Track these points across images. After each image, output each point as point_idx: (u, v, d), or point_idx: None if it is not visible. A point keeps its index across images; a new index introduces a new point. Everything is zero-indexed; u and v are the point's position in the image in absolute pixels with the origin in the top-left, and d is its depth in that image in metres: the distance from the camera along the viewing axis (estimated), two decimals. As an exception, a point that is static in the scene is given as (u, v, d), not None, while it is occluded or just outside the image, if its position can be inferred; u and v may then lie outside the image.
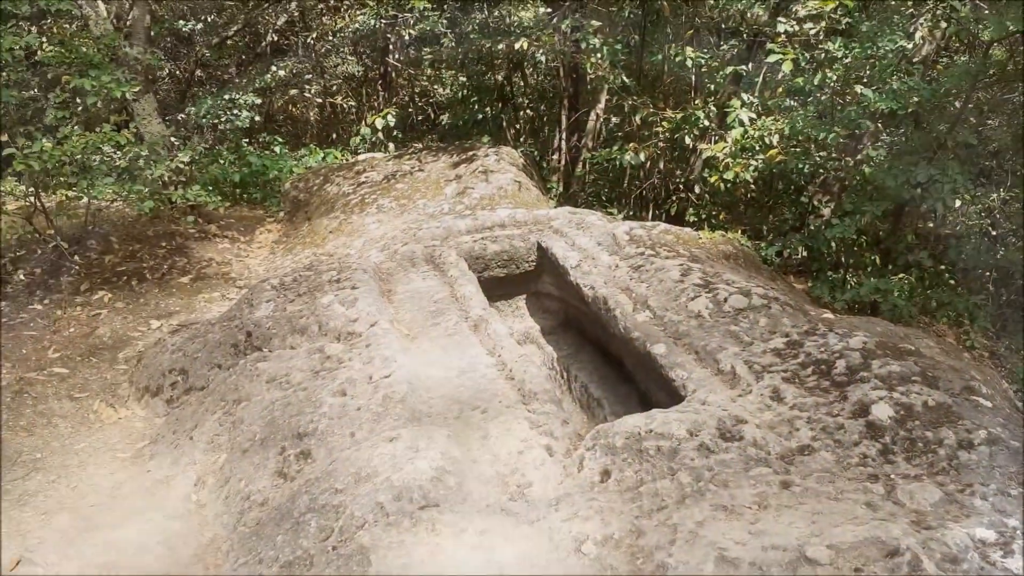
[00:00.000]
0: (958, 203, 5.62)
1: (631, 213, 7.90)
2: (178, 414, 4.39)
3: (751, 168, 5.77)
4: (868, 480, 2.87)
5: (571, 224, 5.52)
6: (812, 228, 5.98)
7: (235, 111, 8.81)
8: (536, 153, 9.01)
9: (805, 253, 6.46)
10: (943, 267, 6.28)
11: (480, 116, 8.69)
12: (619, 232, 5.18)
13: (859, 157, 5.98)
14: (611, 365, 4.89)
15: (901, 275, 5.92)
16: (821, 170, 6.33)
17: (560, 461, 3.13)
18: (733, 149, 5.83)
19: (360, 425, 3.50)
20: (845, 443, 3.04)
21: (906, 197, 5.50)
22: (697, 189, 7.79)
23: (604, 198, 8.43)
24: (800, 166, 5.70)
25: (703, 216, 7.06)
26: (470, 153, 7.27)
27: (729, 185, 6.08)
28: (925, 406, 3.14)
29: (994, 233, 7.46)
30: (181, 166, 6.36)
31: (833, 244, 5.69)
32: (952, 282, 6.60)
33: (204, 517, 3.58)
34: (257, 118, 9.36)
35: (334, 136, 10.66)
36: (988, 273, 6.85)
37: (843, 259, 6.17)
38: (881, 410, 3.14)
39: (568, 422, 3.40)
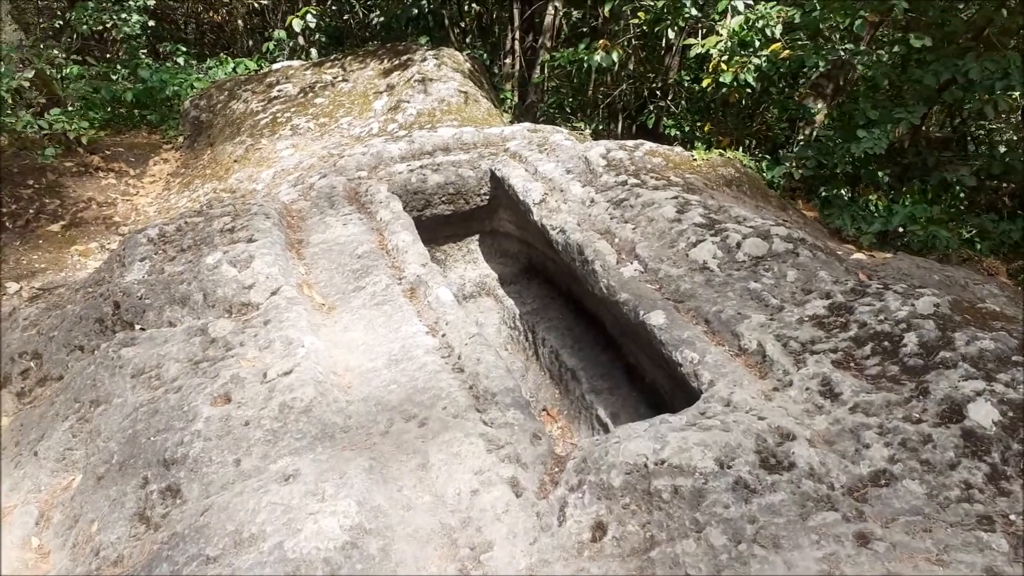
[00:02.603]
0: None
1: (600, 127, 6.76)
2: (24, 418, 3.36)
3: (752, 68, 4.68)
4: (980, 526, 1.98)
5: (532, 145, 4.42)
6: (821, 140, 4.94)
7: (124, 15, 7.31)
8: (485, 57, 7.71)
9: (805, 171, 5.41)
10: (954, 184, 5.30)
11: (416, 12, 7.32)
12: (593, 155, 4.10)
13: (895, 49, 4.89)
14: (587, 322, 3.92)
15: (917, 197, 4.94)
16: (827, 67, 5.23)
17: (532, 504, 2.18)
18: (730, 44, 4.72)
19: (248, 449, 2.50)
20: (937, 465, 2.13)
21: (945, 99, 4.48)
22: (671, 95, 6.67)
23: (568, 109, 7.24)
24: (817, 62, 4.60)
25: (686, 128, 5.94)
26: (404, 57, 6.00)
27: (725, 89, 4.99)
28: (1042, 404, 2.23)
29: (1015, 139, 6.55)
30: (25, 84, 5.00)
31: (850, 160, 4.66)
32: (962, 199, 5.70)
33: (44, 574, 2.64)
34: (152, 23, 7.87)
35: (251, 44, 9.19)
36: (1004, 186, 5.97)
37: (857, 177, 5.15)
38: (980, 411, 2.22)
39: (540, 436, 2.42)
